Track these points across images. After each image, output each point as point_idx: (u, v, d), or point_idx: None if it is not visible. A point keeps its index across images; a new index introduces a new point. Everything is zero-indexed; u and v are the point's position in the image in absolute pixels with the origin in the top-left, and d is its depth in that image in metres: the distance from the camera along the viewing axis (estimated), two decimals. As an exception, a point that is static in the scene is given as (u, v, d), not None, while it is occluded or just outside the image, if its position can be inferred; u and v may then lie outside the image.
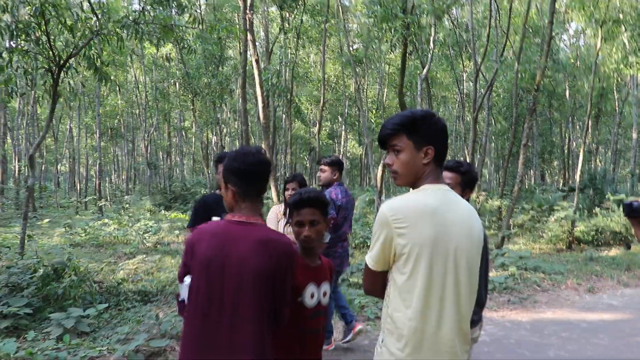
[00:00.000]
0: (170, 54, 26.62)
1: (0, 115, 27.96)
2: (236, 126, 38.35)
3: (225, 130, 34.13)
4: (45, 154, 37.56)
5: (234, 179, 2.54)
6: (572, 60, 29.16)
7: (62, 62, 8.47)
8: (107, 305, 7.41)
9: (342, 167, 6.24)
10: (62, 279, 7.82)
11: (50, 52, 8.28)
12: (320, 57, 30.59)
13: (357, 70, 28.70)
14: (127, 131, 33.36)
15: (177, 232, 16.63)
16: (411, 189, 2.39)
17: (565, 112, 28.48)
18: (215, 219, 4.55)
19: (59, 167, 46.85)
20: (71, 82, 8.68)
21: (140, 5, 8.76)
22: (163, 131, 34.57)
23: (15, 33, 8.00)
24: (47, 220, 19.89)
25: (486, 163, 40.14)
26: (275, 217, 5.79)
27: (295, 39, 22.04)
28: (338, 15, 20.02)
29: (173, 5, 8.76)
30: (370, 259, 2.32)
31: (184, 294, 2.50)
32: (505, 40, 17.04)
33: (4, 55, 8.12)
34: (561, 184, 30.25)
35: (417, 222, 2.19)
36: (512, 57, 20.88)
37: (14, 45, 8.41)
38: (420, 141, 2.31)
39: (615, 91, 28.72)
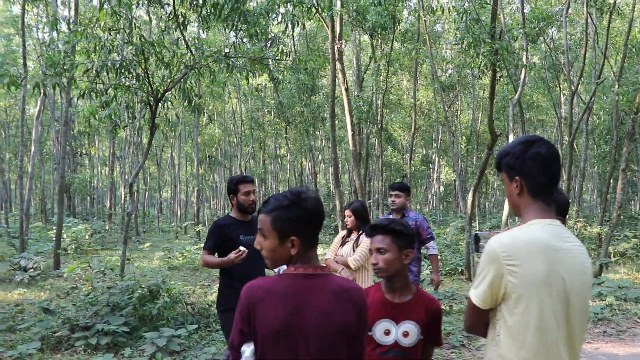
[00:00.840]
0: (265, 84, 27.48)
1: (109, 145, 29.92)
2: (329, 153, 38.98)
3: (319, 157, 34.66)
4: (149, 180, 39.62)
5: (298, 229, 2.15)
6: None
7: (159, 95, 9.06)
8: (197, 326, 7.75)
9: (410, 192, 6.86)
10: (157, 300, 8.27)
11: (149, 87, 8.87)
12: (411, 83, 30.66)
13: (449, 95, 28.56)
14: (224, 159, 34.60)
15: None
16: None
17: (672, 134, 26.91)
18: (240, 245, 4.81)
19: (161, 194, 49.19)
20: (168, 114, 9.20)
21: (235, 39, 9.23)
22: (259, 159, 35.56)
23: (119, 71, 8.66)
24: (148, 244, 20.97)
25: (587, 188, 38.37)
26: (336, 243, 6.00)
27: (386, 67, 22.21)
28: (428, 42, 20.06)
29: (262, 38, 9.17)
30: (476, 296, 2.20)
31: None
32: (603, 61, 16.41)
33: (110, 91, 8.81)
34: None
35: (528, 259, 2.09)
36: (612, 78, 20.05)
37: (118, 83, 9.08)
38: (510, 172, 2.29)
39: None
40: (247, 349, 2.09)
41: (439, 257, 16.05)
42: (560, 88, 24.74)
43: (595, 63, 20.06)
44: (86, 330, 7.20)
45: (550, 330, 2.10)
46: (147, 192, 27.20)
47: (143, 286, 8.30)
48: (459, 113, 20.87)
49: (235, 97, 30.90)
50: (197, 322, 8.23)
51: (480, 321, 2.26)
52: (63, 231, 17.96)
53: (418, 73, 24.04)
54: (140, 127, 23.21)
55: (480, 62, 11.13)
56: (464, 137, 28.98)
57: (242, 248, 4.70)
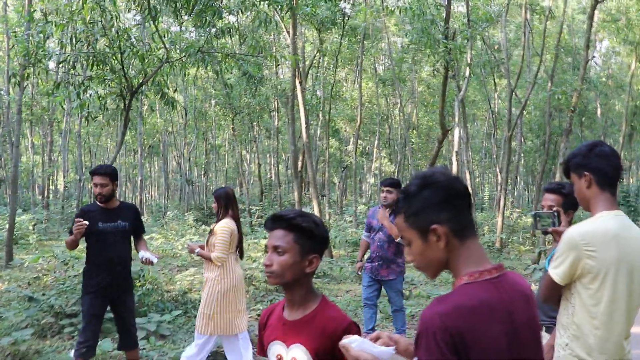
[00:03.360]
0: (207, 75, 27.44)
1: (48, 133, 29.15)
2: (266, 144, 39.18)
3: (260, 148, 34.87)
4: (84, 170, 38.73)
5: (448, 213, 1.71)
6: (604, 79, 29.42)
7: (134, 88, 9.21)
8: (180, 312, 8.04)
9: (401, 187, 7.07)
10: (135, 287, 8.46)
11: (124, 80, 9.01)
12: (352, 76, 31.30)
13: (389, 89, 29.36)
14: (164, 148, 34.32)
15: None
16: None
17: (597, 130, 28.72)
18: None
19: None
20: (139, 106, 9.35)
21: (205, 35, 9.46)
22: (201, 149, 35.45)
23: (95, 63, 8.76)
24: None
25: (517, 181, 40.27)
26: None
27: (334, 60, 22.73)
28: (373, 36, 20.65)
29: (235, 34, 9.43)
30: (557, 275, 2.67)
31: None
32: (540, 61, 17.50)
33: (85, 82, 8.90)
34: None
35: (603, 245, 2.58)
36: (544, 76, 21.30)
37: (92, 74, 9.17)
38: (579, 170, 2.79)
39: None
40: None
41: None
42: (495, 83, 25.95)
43: (530, 62, 21.24)
44: (72, 317, 7.36)
45: (618, 303, 2.63)
46: (82, 183, 26.73)
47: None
48: (402, 106, 21.66)
49: (172, 87, 30.68)
50: (176, 308, 8.50)
51: (555, 295, 2.79)
52: (2, 221, 17.60)
53: (359, 67, 24.60)
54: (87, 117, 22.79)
55: (436, 62, 11.74)
56: (414, 131, 29.88)
57: (84, 222, 4.89)
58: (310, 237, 2.18)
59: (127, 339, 5.42)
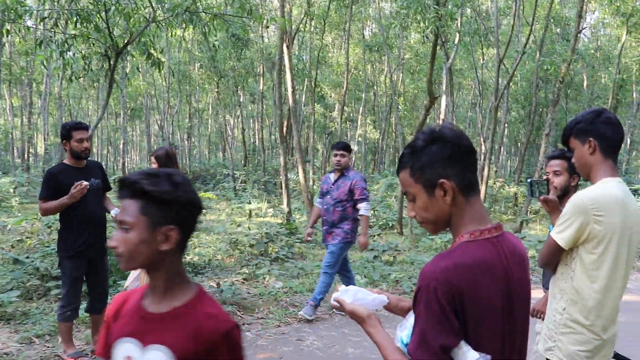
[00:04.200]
0: (192, 37, 27.00)
1: (27, 94, 28.62)
2: (250, 108, 38.85)
3: (244, 113, 34.57)
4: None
5: (455, 169, 1.69)
6: (592, 51, 29.39)
7: (119, 48, 8.99)
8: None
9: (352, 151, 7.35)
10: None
11: (109, 39, 8.78)
12: (339, 41, 30.97)
13: (376, 56, 29.11)
14: (147, 112, 33.89)
15: (204, 211, 17.18)
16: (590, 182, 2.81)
17: (582, 102, 28.81)
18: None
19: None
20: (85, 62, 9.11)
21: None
22: (184, 113, 35.11)
23: (79, 20, 8.51)
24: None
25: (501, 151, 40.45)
26: None
27: (322, 24, 22.45)
28: (361, 1, 20.37)
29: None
30: (562, 239, 2.68)
31: None
32: (530, 31, 17.38)
33: (69, 41, 8.66)
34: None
35: (611, 211, 2.61)
36: (533, 47, 21.22)
37: (75, 33, 8.92)
38: (583, 136, 2.76)
39: (634, 83, 28.97)
40: (468, 349, 1.58)
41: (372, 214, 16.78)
42: (483, 53, 25.82)
43: (519, 32, 21.11)
44: (58, 280, 7.26)
45: (619, 266, 2.68)
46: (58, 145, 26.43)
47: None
48: (390, 73, 21.45)
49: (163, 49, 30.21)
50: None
51: (555, 259, 2.81)
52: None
53: (347, 32, 24.32)
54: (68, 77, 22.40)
55: (426, 28, 11.62)
56: (400, 99, 29.74)
57: (84, 182, 4.82)
58: (160, 203, 1.68)
59: (100, 301, 5.34)
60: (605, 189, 2.67)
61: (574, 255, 2.73)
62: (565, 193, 3.67)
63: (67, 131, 4.98)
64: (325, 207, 6.85)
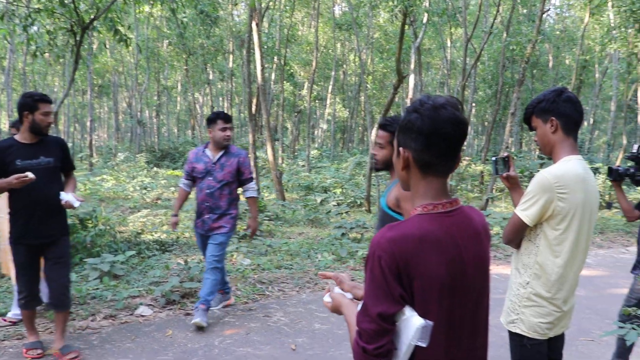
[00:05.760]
0: (160, 14, 26.63)
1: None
2: (220, 86, 38.57)
3: (213, 91, 34.30)
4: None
5: (418, 144, 1.74)
6: (558, 32, 29.80)
7: (85, 24, 8.87)
8: (134, 252, 8.03)
9: None
10: (87, 228, 8.40)
11: (75, 14, 8.66)
12: (309, 20, 30.83)
13: (345, 34, 29.06)
14: (115, 89, 33.39)
15: (172, 189, 17.18)
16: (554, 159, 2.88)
17: (547, 82, 29.24)
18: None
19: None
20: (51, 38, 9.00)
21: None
22: (152, 90, 34.72)
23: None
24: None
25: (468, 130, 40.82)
26: None
27: (291, 2, 22.32)
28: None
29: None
30: (527, 216, 2.75)
31: (419, 336, 1.60)
32: (497, 11, 17.57)
33: (32, 15, 8.52)
34: (539, 152, 31.18)
35: (573, 188, 2.70)
36: (500, 27, 21.45)
37: (39, 6, 8.78)
38: (546, 115, 2.85)
39: (597, 64, 29.52)
40: (413, 315, 1.62)
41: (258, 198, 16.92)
42: (450, 33, 25.99)
43: (487, 12, 21.30)
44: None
45: (581, 241, 2.81)
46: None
47: (72, 215, 8.36)
48: (355, 52, 21.45)
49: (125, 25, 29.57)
50: (129, 249, 8.49)
51: (519, 236, 2.89)
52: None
53: (317, 11, 24.27)
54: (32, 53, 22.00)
55: (394, 7, 11.68)
56: (369, 78, 29.79)
57: (29, 174, 4.30)
58: None
59: (57, 294, 4.74)
60: (568, 167, 2.77)
61: (538, 231, 2.82)
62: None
63: (35, 102, 4.52)
64: (208, 191, 5.72)
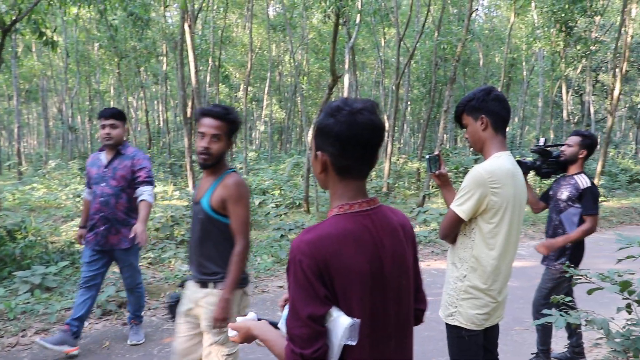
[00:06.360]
0: (90, 16, 25.91)
1: None
2: (154, 90, 37.86)
3: (147, 94, 33.65)
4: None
5: (334, 149, 1.76)
6: (487, 31, 30.66)
7: (6, 26, 8.52)
8: (67, 262, 7.76)
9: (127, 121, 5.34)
10: (16, 240, 8.07)
11: (-5, 16, 8.31)
12: (243, 21, 30.64)
13: (279, 35, 29.03)
14: (44, 94, 32.27)
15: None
16: (485, 156, 2.98)
17: (479, 80, 30.05)
18: None
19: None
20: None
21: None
22: (84, 95, 33.80)
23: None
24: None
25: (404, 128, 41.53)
26: None
27: (224, 4, 22.11)
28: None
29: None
30: (463, 211, 2.84)
31: (347, 335, 1.63)
32: (428, 11, 17.92)
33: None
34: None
35: (505, 183, 2.81)
36: (431, 26, 21.87)
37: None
38: (476, 113, 2.94)
39: (524, 62, 30.53)
40: (340, 314, 1.65)
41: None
42: (384, 32, 26.33)
43: (418, 12, 21.68)
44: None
45: (512, 233, 2.92)
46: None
47: (-1, 226, 8.03)
48: (293, 52, 21.41)
49: (51, 27, 28.68)
50: (62, 259, 8.20)
51: (455, 231, 2.98)
52: None
53: (250, 12, 24.10)
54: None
55: (327, 8, 11.74)
56: (304, 78, 29.80)
57: None
58: None
59: None
60: (499, 163, 2.87)
61: (473, 226, 2.91)
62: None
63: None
64: (103, 199, 4.98)
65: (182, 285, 3.56)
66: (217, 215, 3.24)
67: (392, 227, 1.83)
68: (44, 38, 8.79)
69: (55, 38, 29.51)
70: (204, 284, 3.31)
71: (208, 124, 3.23)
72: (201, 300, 3.29)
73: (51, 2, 8.98)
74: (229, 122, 3.27)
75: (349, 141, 1.71)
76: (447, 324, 3.06)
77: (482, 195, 2.81)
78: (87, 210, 5.23)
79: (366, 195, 1.82)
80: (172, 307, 3.45)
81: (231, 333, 1.94)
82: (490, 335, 3.19)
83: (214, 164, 3.30)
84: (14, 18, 8.59)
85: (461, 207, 2.86)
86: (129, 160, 5.06)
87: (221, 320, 3.19)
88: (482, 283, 2.90)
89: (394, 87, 18.63)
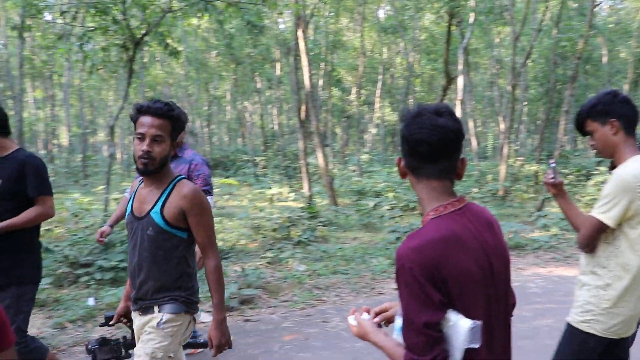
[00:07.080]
0: (206, 26, 27.12)
1: (49, 87, 28.98)
2: (268, 94, 38.94)
3: (262, 99, 34.72)
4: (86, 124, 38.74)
5: (406, 151, 1.82)
6: (612, 25, 28.97)
7: (137, 39, 9.15)
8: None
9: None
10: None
11: (127, 30, 8.95)
12: (354, 25, 30.85)
13: (391, 38, 28.97)
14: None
15: (226, 197, 17.45)
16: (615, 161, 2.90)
17: (602, 78, 28.45)
18: None
19: (97, 137, 48.03)
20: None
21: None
22: (202, 101, 35.38)
23: (95, 13, 8.70)
24: (101, 187, 20.84)
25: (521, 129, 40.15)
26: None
27: (336, 8, 22.41)
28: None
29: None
30: (609, 219, 2.74)
31: (470, 338, 1.60)
32: (546, 7, 17.23)
33: (87, 34, 8.85)
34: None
35: None
36: (549, 23, 21.00)
37: (94, 25, 9.11)
38: (604, 117, 2.85)
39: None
40: (460, 317, 1.62)
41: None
42: (499, 31, 25.61)
43: (535, 9, 20.88)
44: (87, 267, 7.51)
45: None
46: (86, 136, 26.93)
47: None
48: (402, 55, 21.32)
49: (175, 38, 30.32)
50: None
51: (598, 238, 2.86)
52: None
53: (361, 15, 24.30)
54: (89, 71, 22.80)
55: (440, 8, 11.61)
56: (417, 80, 29.64)
57: None
58: None
59: None
60: None
61: (617, 233, 2.80)
62: None
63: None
64: None
65: (105, 323, 3.21)
66: (173, 230, 2.85)
67: (488, 221, 1.85)
68: (169, 48, 9.35)
69: (177, 48, 31.18)
70: (147, 309, 2.93)
71: (148, 124, 2.76)
72: (145, 327, 2.94)
73: (175, 15, 9.51)
74: (173, 119, 2.83)
75: (409, 141, 1.78)
76: (577, 328, 2.94)
77: (629, 201, 2.72)
78: (123, 211, 4.50)
79: (455, 195, 1.82)
80: (95, 354, 3.08)
81: (352, 321, 1.99)
82: (623, 344, 3.03)
83: (157, 170, 2.83)
84: (143, 32, 9.21)
85: (606, 214, 2.76)
86: (187, 164, 4.78)
87: (224, 345, 3.02)
88: (627, 292, 2.80)
89: (509, 88, 18.06)
